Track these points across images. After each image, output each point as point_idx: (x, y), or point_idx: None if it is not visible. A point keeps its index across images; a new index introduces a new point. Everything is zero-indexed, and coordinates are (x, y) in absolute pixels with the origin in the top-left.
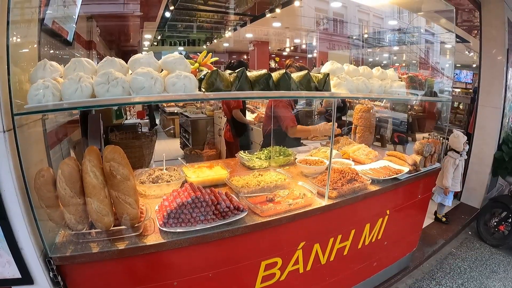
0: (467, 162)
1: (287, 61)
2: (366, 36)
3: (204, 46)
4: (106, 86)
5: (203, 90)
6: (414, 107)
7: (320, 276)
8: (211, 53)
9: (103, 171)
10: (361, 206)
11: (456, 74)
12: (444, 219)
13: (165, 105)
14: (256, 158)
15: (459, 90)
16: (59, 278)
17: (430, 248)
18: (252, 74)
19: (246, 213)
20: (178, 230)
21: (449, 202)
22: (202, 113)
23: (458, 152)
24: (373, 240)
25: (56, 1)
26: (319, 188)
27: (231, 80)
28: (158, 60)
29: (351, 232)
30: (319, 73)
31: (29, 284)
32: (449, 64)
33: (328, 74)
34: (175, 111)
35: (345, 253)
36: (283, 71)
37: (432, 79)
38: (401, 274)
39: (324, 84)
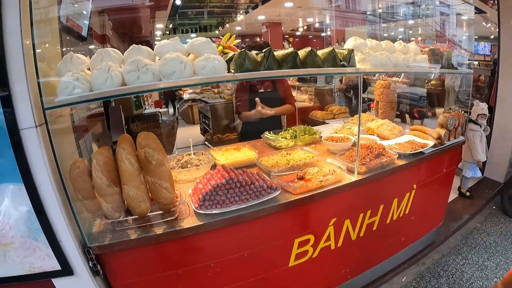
0: (489, 135)
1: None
2: (380, 11)
3: (217, 32)
4: (136, 73)
5: (232, 71)
6: (432, 81)
7: (351, 252)
8: (234, 35)
9: (138, 158)
10: (389, 180)
11: (474, 46)
12: (468, 193)
13: (182, 92)
14: (282, 137)
15: (477, 62)
16: (99, 267)
17: (455, 223)
18: (278, 53)
19: (279, 192)
20: (214, 212)
21: (479, 173)
22: (220, 97)
23: (476, 123)
24: (401, 215)
25: None
26: (348, 164)
27: (259, 60)
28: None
29: (379, 207)
30: (343, 49)
31: (69, 275)
32: (466, 36)
33: (352, 50)
34: (193, 98)
35: (374, 228)
36: (309, 48)
37: (451, 52)
38: (427, 249)
39: (349, 60)
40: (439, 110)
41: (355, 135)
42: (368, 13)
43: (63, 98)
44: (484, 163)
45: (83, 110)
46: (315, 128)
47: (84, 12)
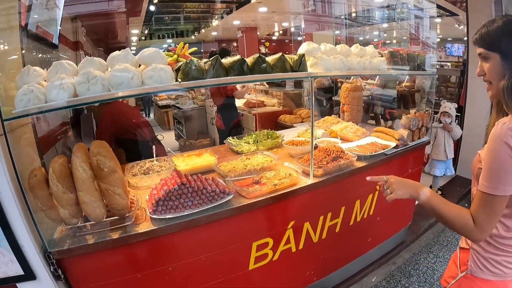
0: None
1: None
2: (354, 14)
3: (193, 37)
4: (86, 85)
5: (179, 80)
6: (406, 83)
7: (314, 254)
8: (187, 44)
9: (92, 166)
10: (348, 182)
11: (448, 48)
12: (439, 192)
13: (158, 98)
14: (245, 143)
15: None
16: (60, 271)
17: (426, 222)
18: (226, 60)
19: (232, 196)
20: (167, 216)
21: (438, 172)
22: (194, 103)
23: (441, 122)
24: (365, 216)
25: (38, 6)
26: (304, 167)
27: (206, 68)
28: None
29: (341, 209)
30: (295, 55)
31: (32, 279)
32: (432, 37)
33: (303, 55)
34: (168, 104)
35: (337, 230)
36: (257, 55)
37: (414, 53)
38: (398, 249)
39: (299, 64)
40: (412, 111)
41: (318, 138)
42: (342, 17)
43: (19, 110)
44: (456, 161)
45: (55, 119)
46: (280, 132)
47: (56, 19)
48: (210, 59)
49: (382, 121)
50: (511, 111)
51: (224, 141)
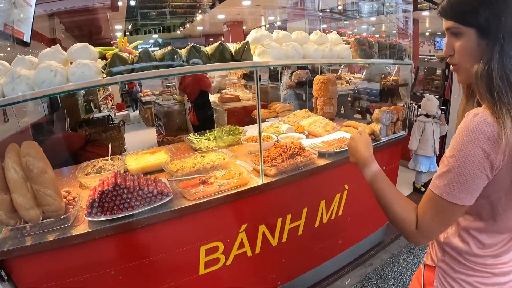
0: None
1: None
2: (340, 8)
3: (179, 32)
4: (12, 84)
5: (105, 75)
6: (392, 76)
7: (274, 258)
8: (126, 37)
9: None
10: (310, 182)
11: (437, 42)
12: (423, 189)
13: (142, 95)
14: (205, 139)
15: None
16: (3, 272)
17: None
18: (158, 52)
19: (170, 197)
20: (101, 219)
21: (423, 168)
22: (173, 99)
23: (429, 116)
24: (333, 217)
25: (5, 5)
26: (255, 165)
27: (134, 61)
28: None
29: (303, 210)
30: (239, 43)
31: None
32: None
33: (247, 43)
34: (151, 100)
35: (300, 233)
36: (191, 44)
37: (385, 41)
38: (375, 250)
39: (242, 53)
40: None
41: (282, 133)
42: (328, 10)
43: None
44: (440, 157)
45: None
46: (246, 128)
47: (27, 17)
48: (139, 51)
49: (368, 116)
50: (485, 101)
51: (184, 138)
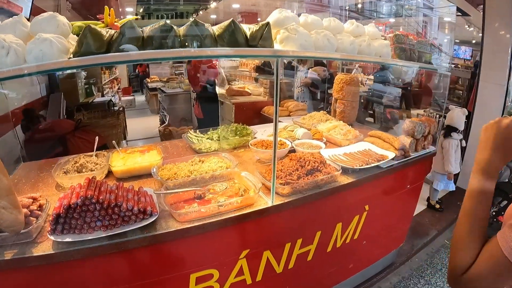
0: (465, 142)
1: None
2: (360, 6)
3: (191, 19)
4: None
5: (71, 56)
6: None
7: (277, 285)
8: (112, 9)
9: None
10: (327, 202)
11: (455, 50)
12: (437, 206)
13: (149, 81)
14: (207, 139)
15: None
16: None
17: (420, 241)
18: (148, 28)
19: (154, 218)
20: (67, 240)
21: (453, 187)
22: (180, 87)
23: (458, 132)
24: (348, 241)
25: None
26: (265, 181)
27: (114, 38)
28: None
29: (315, 234)
30: (257, 25)
31: None
32: (447, 39)
33: (267, 25)
34: (157, 87)
35: (309, 258)
36: (191, 20)
37: (427, 42)
38: (385, 272)
39: (260, 37)
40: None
41: (298, 139)
42: (346, 8)
43: None
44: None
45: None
46: (255, 127)
47: None
48: (121, 26)
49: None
50: None
51: (183, 135)
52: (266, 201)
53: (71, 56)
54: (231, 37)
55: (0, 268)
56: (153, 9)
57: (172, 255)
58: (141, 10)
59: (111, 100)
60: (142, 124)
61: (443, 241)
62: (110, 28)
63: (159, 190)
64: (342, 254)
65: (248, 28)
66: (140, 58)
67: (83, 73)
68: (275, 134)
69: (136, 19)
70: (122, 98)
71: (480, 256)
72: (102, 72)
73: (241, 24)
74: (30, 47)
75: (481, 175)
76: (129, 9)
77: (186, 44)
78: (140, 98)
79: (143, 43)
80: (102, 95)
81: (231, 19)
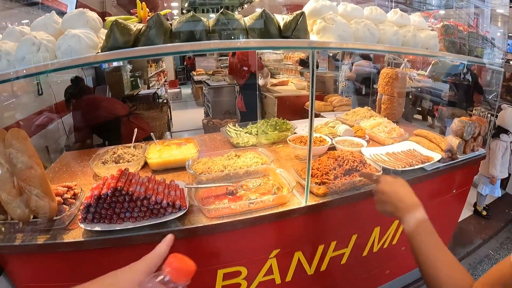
0: None
1: None
2: None
3: (236, 13)
4: None
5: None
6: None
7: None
8: (144, 3)
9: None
10: (365, 205)
11: (509, 44)
12: (484, 212)
13: (195, 73)
14: (246, 133)
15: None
16: None
17: (463, 249)
18: (174, 21)
19: (183, 212)
20: (96, 229)
21: (498, 193)
22: (224, 80)
23: (507, 133)
24: (385, 246)
25: None
26: (300, 179)
27: (142, 31)
28: None
29: (351, 237)
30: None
31: None
32: (500, 33)
33: (301, 14)
34: (202, 80)
35: (343, 262)
36: (220, 11)
37: (479, 34)
38: (420, 282)
39: (294, 28)
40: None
41: (338, 135)
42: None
43: None
44: (507, 177)
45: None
46: (296, 122)
47: None
48: (148, 19)
49: (429, 118)
50: None
51: (221, 129)
52: (300, 201)
53: (99, 51)
54: (263, 28)
55: (33, 251)
56: (199, 3)
57: (199, 249)
58: (186, 4)
59: (155, 92)
60: (187, 116)
61: (488, 251)
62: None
63: (191, 184)
64: (378, 259)
65: (282, 19)
66: (165, 52)
67: (129, 66)
68: (311, 130)
69: (168, 12)
70: (169, 91)
71: (490, 279)
72: (149, 65)
73: (275, 15)
74: (59, 43)
75: (403, 217)
76: (174, 4)
77: (215, 36)
78: (186, 90)
79: (171, 35)
80: (148, 88)
81: (262, 9)
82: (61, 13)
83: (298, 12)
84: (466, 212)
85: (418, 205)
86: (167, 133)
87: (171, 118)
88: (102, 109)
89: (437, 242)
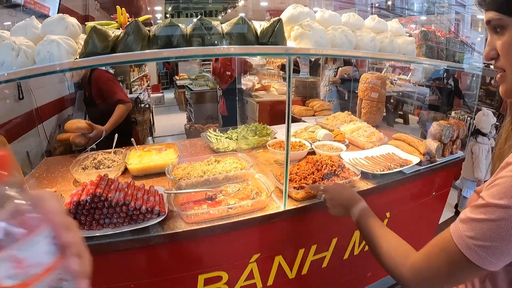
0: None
1: None
2: (389, 3)
3: (220, 17)
4: None
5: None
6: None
7: None
8: (123, 8)
9: None
10: None
11: None
12: None
13: (178, 78)
14: (226, 138)
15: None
16: None
17: None
18: (152, 27)
19: (162, 218)
20: None
21: (470, 193)
22: (206, 85)
23: (485, 135)
24: (366, 249)
25: None
26: (278, 184)
27: (120, 37)
28: None
29: (331, 241)
30: (268, 21)
31: None
32: (481, 38)
33: (279, 21)
34: (184, 84)
35: (324, 265)
36: (198, 18)
37: (455, 38)
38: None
39: (271, 34)
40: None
41: (318, 140)
42: (376, 5)
43: None
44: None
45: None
46: (276, 127)
47: None
48: (126, 25)
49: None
50: None
51: (201, 134)
52: (279, 205)
53: (77, 57)
54: (240, 34)
55: None
56: (182, 8)
57: (179, 255)
58: (170, 9)
59: (138, 97)
60: (170, 120)
61: None
62: (119, 28)
63: (170, 189)
64: (360, 262)
65: (259, 25)
66: (143, 58)
67: (111, 71)
68: (287, 136)
69: (148, 18)
70: (151, 95)
71: (427, 252)
72: (131, 69)
73: (253, 21)
74: (39, 49)
75: (350, 210)
76: (158, 8)
77: (193, 42)
78: (169, 95)
79: (149, 42)
80: (131, 92)
81: (240, 16)
82: (44, 16)
83: (276, 18)
84: (447, 214)
85: (360, 199)
86: (149, 138)
87: (153, 123)
88: None
89: (376, 222)
